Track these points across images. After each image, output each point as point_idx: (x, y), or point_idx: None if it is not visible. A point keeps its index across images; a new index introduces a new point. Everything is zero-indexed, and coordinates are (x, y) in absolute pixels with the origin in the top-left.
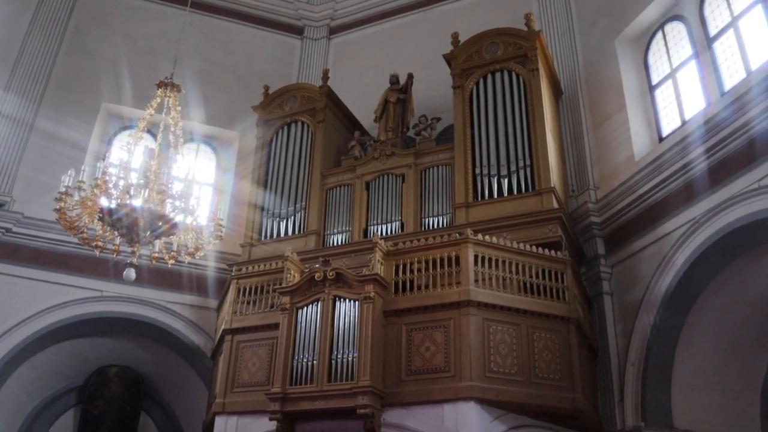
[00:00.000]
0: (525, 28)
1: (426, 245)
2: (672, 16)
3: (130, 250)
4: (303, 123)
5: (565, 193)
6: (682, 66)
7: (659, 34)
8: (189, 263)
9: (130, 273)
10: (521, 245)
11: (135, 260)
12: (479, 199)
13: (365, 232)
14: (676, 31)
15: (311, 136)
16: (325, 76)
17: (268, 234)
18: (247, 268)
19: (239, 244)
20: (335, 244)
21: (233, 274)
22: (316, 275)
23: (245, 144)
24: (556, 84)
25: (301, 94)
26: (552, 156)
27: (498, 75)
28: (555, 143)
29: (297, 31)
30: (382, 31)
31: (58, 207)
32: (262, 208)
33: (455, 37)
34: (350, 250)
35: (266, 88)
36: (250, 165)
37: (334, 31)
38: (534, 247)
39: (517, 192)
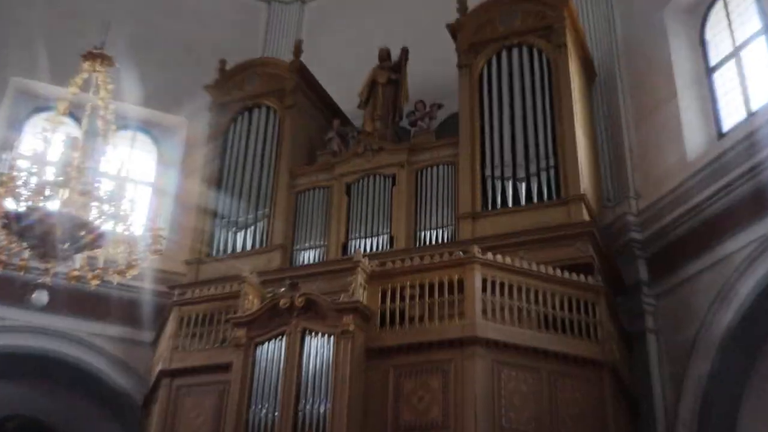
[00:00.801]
0: None
1: (421, 266)
2: None
3: (42, 266)
4: (268, 108)
5: (598, 202)
6: (748, 43)
7: (719, 3)
8: (118, 284)
9: (41, 296)
10: (542, 268)
11: (48, 280)
12: (489, 208)
13: (344, 248)
14: None
15: (278, 124)
16: (298, 49)
17: (222, 248)
18: (192, 292)
19: (184, 261)
20: (306, 262)
21: (175, 298)
22: (281, 302)
23: (194, 133)
24: (589, 64)
25: (267, 72)
26: (582, 155)
27: (515, 52)
28: (586, 139)
29: None
30: None
31: None
32: (215, 215)
33: (463, 2)
34: (325, 270)
35: (222, 62)
36: (200, 159)
37: None
38: (558, 271)
39: (538, 200)
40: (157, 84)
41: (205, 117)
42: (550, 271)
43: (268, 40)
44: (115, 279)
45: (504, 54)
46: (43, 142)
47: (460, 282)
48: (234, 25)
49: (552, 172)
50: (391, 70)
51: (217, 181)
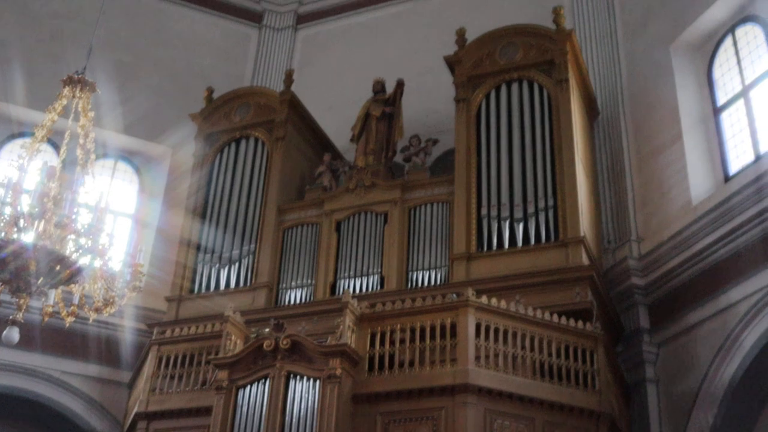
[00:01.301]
0: (553, 26)
1: (412, 308)
2: (745, 16)
3: (14, 301)
4: (257, 140)
5: (598, 245)
6: (758, 82)
7: (728, 40)
8: (95, 322)
9: (12, 333)
10: (538, 313)
11: (20, 316)
12: (485, 249)
13: (333, 288)
14: (750, 36)
15: (267, 157)
16: (289, 79)
17: (204, 285)
18: (173, 331)
19: (165, 298)
20: (292, 302)
21: (154, 337)
22: (265, 344)
23: (178, 163)
24: (591, 102)
25: (256, 102)
26: (583, 195)
27: (515, 86)
28: (587, 179)
29: (254, 17)
30: (366, 23)
31: None
32: (198, 250)
33: (461, 34)
34: (312, 311)
35: (209, 90)
36: (183, 191)
37: (302, 19)
38: (556, 316)
39: (536, 242)
40: (140, 111)
41: (190, 147)
42: (547, 316)
43: (258, 69)
44: (92, 316)
45: (503, 88)
46: (19, 170)
47: (453, 326)
48: (222, 51)
49: (551, 212)
50: (385, 103)
51: (201, 215)
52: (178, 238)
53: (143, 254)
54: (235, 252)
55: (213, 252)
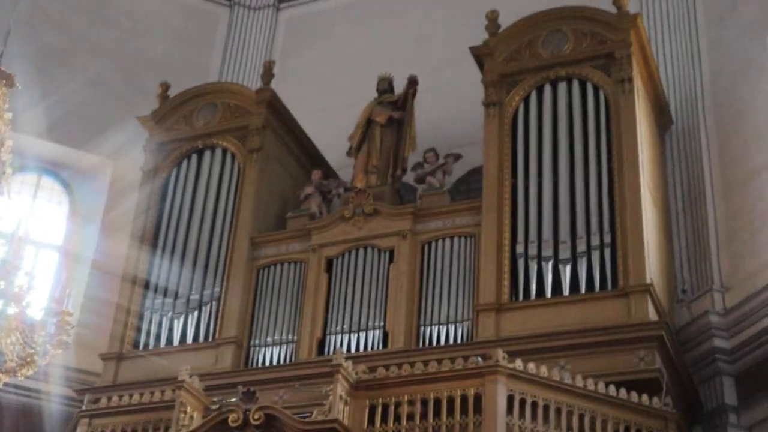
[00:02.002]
0: (613, 9)
1: (425, 374)
2: None
3: None
4: (225, 151)
5: (670, 295)
6: None
7: None
8: (9, 386)
9: None
10: (590, 383)
11: None
12: (520, 298)
13: (321, 346)
14: None
15: (238, 173)
16: (268, 73)
17: (153, 338)
18: (109, 399)
19: (100, 356)
20: (268, 363)
21: (84, 407)
22: (231, 418)
23: (120, 178)
24: (662, 108)
25: (225, 102)
26: (650, 230)
27: (562, 87)
28: (656, 209)
29: None
30: (368, 3)
31: None
32: (146, 289)
33: (493, 18)
34: (293, 375)
35: (164, 86)
36: (127, 213)
37: None
38: (613, 388)
39: (587, 290)
40: (72, 112)
41: (137, 158)
42: (602, 388)
43: (228, 59)
44: (2, 379)
45: (547, 89)
46: None
47: (478, 398)
48: (182, 35)
49: (608, 252)
50: (393, 107)
51: (151, 244)
52: (120, 274)
53: (73, 298)
54: (195, 296)
55: (166, 294)
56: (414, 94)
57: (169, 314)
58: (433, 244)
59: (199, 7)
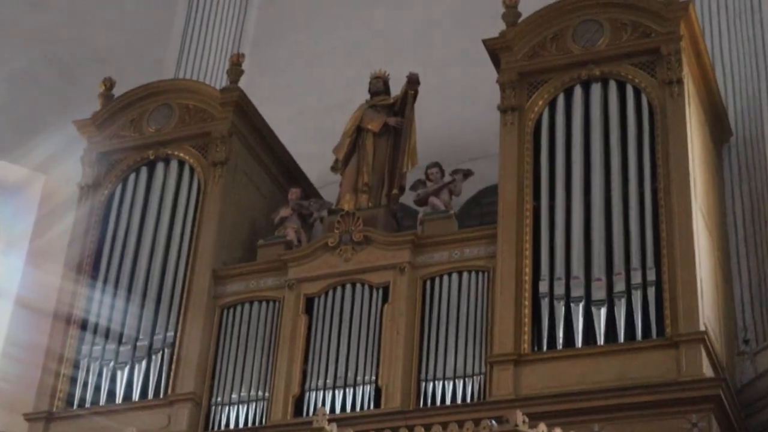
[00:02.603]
0: None
1: None
2: None
3: None
4: (182, 163)
5: (729, 345)
6: None
7: None
8: None
9: None
10: None
11: None
12: (544, 347)
13: (299, 405)
14: None
15: (198, 191)
16: (236, 69)
17: (91, 394)
18: None
19: (23, 416)
20: (233, 425)
21: None
22: None
23: (53, 194)
24: (719, 116)
25: (183, 103)
26: (704, 265)
27: (596, 89)
28: (711, 238)
29: None
30: None
31: None
32: (83, 329)
33: (511, 3)
34: None
35: (108, 84)
36: (61, 237)
37: None
38: None
39: (627, 338)
40: None
41: (74, 170)
42: None
43: (187, 50)
44: None
45: (578, 91)
46: None
47: None
48: (131, 22)
49: (651, 292)
50: (388, 111)
51: (90, 276)
52: (51, 312)
53: None
54: (143, 341)
55: (107, 338)
56: (415, 96)
57: (112, 363)
58: (437, 281)
59: None
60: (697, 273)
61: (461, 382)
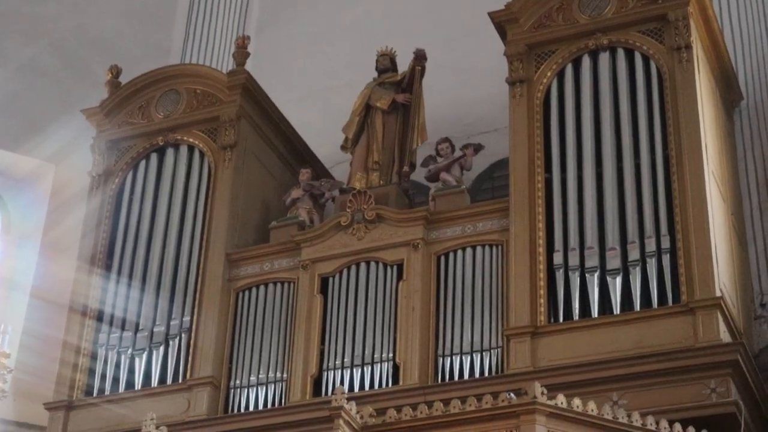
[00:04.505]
0: None
1: (446, 416)
2: None
3: None
4: (192, 148)
5: (746, 310)
6: None
7: None
8: None
9: None
10: (650, 421)
11: None
12: (560, 319)
13: (317, 385)
14: None
15: (209, 175)
16: (242, 52)
17: (109, 383)
18: None
19: (44, 405)
20: (252, 407)
21: None
22: None
23: (64, 185)
24: (729, 81)
25: (191, 88)
26: (718, 231)
27: (605, 57)
28: (725, 204)
29: None
30: None
31: None
32: (100, 321)
33: None
34: (284, 422)
35: (114, 71)
36: (74, 228)
37: None
38: (679, 427)
39: (643, 306)
40: (1, 106)
41: (84, 160)
42: (665, 427)
43: (192, 35)
44: None
45: (585, 61)
46: None
47: None
48: (135, 9)
49: (666, 259)
50: (396, 88)
51: (105, 265)
52: (67, 303)
53: (9, 335)
54: (160, 328)
55: (124, 327)
56: (422, 73)
57: (129, 351)
58: (451, 256)
59: None
60: (712, 239)
61: (478, 356)
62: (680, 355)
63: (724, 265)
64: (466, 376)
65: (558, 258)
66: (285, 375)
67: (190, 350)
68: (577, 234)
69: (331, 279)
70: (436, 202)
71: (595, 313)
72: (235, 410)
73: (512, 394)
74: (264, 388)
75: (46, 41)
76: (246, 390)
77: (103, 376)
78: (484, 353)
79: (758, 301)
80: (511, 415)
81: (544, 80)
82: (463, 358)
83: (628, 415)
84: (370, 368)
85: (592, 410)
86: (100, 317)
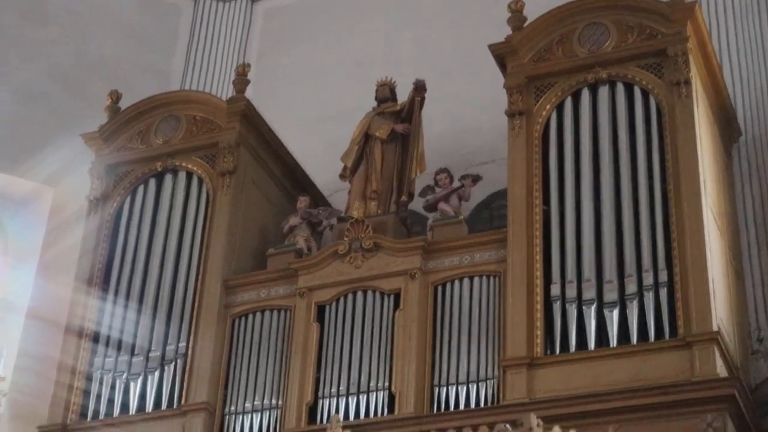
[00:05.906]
0: None
1: None
2: None
3: None
4: (191, 174)
5: (743, 345)
6: None
7: None
8: None
9: None
10: None
11: None
12: (557, 350)
13: (312, 412)
14: None
15: (207, 201)
16: (242, 79)
17: (104, 406)
18: None
19: (38, 428)
20: None
21: None
22: None
23: (62, 208)
24: (728, 116)
25: (190, 114)
26: (715, 265)
27: (604, 91)
28: (722, 239)
29: None
30: None
31: None
32: (95, 342)
33: (517, 8)
34: None
35: (114, 96)
36: (71, 250)
37: None
38: None
39: (639, 339)
40: (1, 128)
41: (82, 184)
42: None
43: (193, 62)
44: None
45: (585, 94)
46: None
47: None
48: (137, 33)
49: (663, 293)
50: (396, 118)
51: (101, 289)
52: (63, 325)
53: (5, 357)
54: (156, 352)
55: (120, 350)
56: (422, 103)
57: (125, 375)
58: (448, 286)
59: None
60: (709, 273)
61: (474, 386)
62: (677, 389)
63: (721, 299)
64: (461, 406)
65: (555, 290)
66: (280, 402)
67: (186, 375)
68: (574, 266)
69: (327, 307)
70: (433, 232)
71: (591, 345)
72: None
73: (508, 426)
74: (259, 414)
75: (46, 64)
76: (241, 416)
77: (99, 399)
78: (480, 383)
79: (755, 336)
80: None
81: (543, 113)
82: (459, 388)
83: None
84: (365, 397)
85: None
86: (96, 339)
